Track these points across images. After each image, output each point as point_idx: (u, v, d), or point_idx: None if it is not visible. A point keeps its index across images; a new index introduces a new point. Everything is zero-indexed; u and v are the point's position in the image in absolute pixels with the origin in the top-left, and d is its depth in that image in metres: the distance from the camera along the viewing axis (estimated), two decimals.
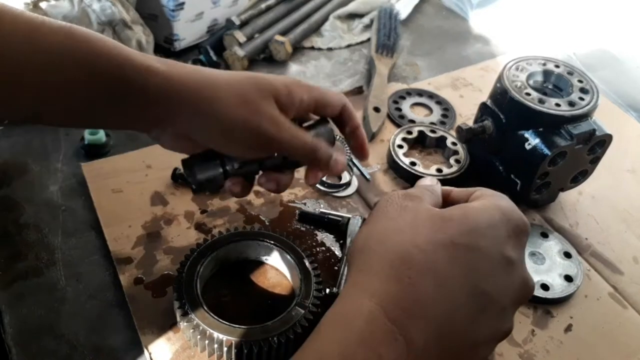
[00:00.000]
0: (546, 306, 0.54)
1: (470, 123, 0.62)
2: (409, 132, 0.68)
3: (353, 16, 0.92)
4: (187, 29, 0.79)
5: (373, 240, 0.34)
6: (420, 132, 0.69)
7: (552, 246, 0.58)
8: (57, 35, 0.36)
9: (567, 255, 0.58)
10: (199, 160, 0.43)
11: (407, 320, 0.30)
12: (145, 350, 0.46)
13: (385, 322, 0.30)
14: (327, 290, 0.50)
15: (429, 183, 0.41)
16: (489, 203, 0.36)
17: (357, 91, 0.77)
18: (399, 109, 0.75)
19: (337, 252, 0.56)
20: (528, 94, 0.57)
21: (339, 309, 0.32)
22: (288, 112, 0.42)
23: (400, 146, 0.66)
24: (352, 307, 0.31)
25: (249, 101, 0.40)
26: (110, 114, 0.40)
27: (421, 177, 0.63)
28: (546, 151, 0.55)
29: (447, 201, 0.40)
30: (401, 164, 0.64)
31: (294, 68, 0.82)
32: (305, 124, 0.45)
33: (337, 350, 0.29)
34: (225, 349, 0.44)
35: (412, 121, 0.72)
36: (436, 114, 0.75)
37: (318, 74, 0.81)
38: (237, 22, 0.80)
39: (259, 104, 0.40)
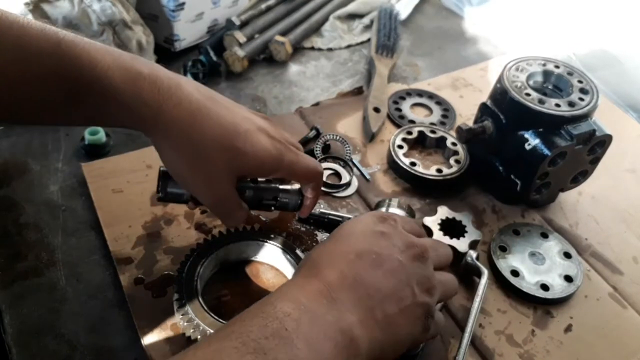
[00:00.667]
0: (546, 306, 0.54)
1: (470, 123, 0.62)
2: (409, 133, 0.68)
3: (353, 16, 0.92)
4: (188, 29, 0.79)
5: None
6: (420, 133, 0.69)
7: (552, 246, 0.58)
8: (46, 41, 0.37)
9: (567, 255, 0.58)
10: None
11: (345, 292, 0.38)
12: (146, 350, 0.46)
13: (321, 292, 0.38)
14: None
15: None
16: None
17: (357, 91, 0.77)
18: (399, 109, 0.75)
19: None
20: (528, 95, 0.57)
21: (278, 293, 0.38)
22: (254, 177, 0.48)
23: (400, 146, 0.67)
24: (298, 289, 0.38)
25: (217, 175, 0.43)
26: (75, 112, 0.42)
27: (421, 177, 0.63)
28: (546, 151, 0.55)
29: None
30: (401, 164, 0.64)
31: (294, 68, 0.82)
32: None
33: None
34: None
35: (412, 121, 0.72)
36: (436, 115, 0.75)
37: (318, 74, 0.81)
38: (237, 23, 0.81)
39: (228, 179, 0.44)
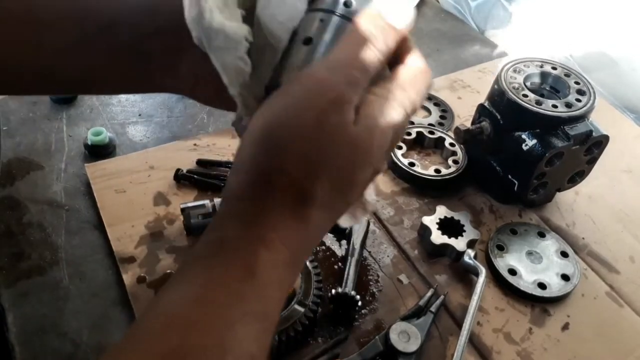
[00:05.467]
0: (543, 305, 0.54)
1: (468, 124, 0.63)
2: (408, 133, 0.69)
3: None
4: None
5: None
6: (419, 133, 0.69)
7: (549, 246, 0.59)
8: None
9: (564, 254, 0.58)
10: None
11: (300, 249, 0.30)
12: None
13: (283, 250, 0.29)
14: (333, 291, 0.50)
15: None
16: (390, 117, 0.31)
17: None
18: None
19: (337, 252, 0.57)
20: (525, 96, 0.58)
21: (236, 231, 0.30)
22: None
23: (399, 147, 0.67)
24: (253, 235, 0.30)
25: None
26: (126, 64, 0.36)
27: (419, 177, 0.64)
28: (543, 152, 0.56)
29: None
30: (400, 164, 0.65)
31: None
32: None
33: (241, 270, 0.28)
34: None
35: (411, 122, 0.73)
36: (435, 115, 0.75)
37: None
38: None
39: None
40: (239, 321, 0.27)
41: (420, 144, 0.70)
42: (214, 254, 0.29)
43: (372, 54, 0.30)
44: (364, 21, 0.31)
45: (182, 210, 0.55)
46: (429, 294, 0.53)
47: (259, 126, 0.29)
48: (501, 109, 0.60)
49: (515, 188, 0.60)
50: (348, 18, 0.32)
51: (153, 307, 0.29)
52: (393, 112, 0.31)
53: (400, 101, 0.31)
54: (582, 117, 0.57)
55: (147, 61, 0.36)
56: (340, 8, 0.32)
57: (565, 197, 0.66)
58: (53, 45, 0.34)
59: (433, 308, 0.51)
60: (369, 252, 0.57)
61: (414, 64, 0.33)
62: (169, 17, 0.34)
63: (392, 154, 0.66)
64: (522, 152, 0.57)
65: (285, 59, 0.33)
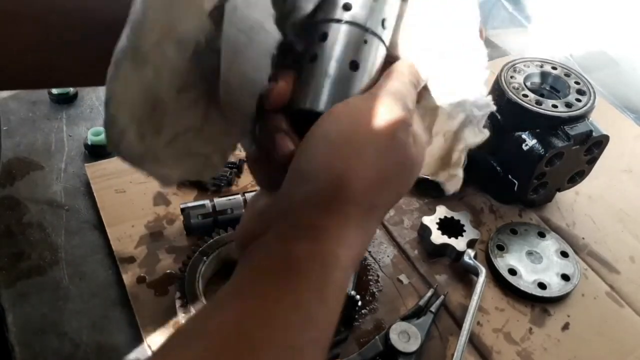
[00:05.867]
0: (544, 305, 0.54)
1: None
2: None
3: None
4: None
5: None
6: None
7: (550, 246, 0.59)
8: None
9: (564, 254, 0.58)
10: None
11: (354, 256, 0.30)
12: (148, 349, 0.47)
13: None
14: None
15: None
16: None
17: None
18: None
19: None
20: (525, 96, 0.58)
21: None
22: None
23: None
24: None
25: None
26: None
27: (420, 177, 0.64)
28: (543, 152, 0.56)
29: None
30: None
31: None
32: None
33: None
34: None
35: None
36: None
37: None
38: None
39: None
40: (309, 347, 0.26)
41: None
42: (288, 271, 0.28)
43: (415, 90, 0.34)
44: (406, 62, 0.34)
45: (182, 210, 0.55)
46: (429, 294, 0.53)
47: (329, 136, 0.29)
48: (501, 109, 0.59)
49: (516, 188, 0.60)
50: (379, 38, 0.33)
51: (207, 316, 0.27)
52: (425, 139, 0.34)
53: (425, 129, 0.35)
54: (582, 117, 0.57)
55: None
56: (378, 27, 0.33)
57: (565, 197, 0.66)
58: (55, 42, 0.34)
59: (433, 308, 0.51)
60: (369, 252, 0.57)
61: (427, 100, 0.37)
62: None
63: None
64: (522, 152, 0.57)
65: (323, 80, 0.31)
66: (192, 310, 0.46)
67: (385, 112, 0.30)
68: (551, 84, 0.62)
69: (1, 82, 0.38)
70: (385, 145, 0.30)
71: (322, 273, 0.27)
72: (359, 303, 0.50)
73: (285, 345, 0.25)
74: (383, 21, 0.33)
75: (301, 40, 0.32)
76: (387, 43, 0.34)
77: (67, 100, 0.70)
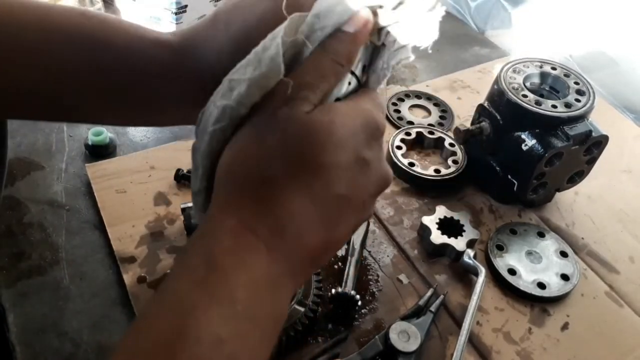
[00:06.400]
0: (543, 304, 0.55)
1: (468, 124, 0.63)
2: (408, 134, 0.69)
3: None
4: None
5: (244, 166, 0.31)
6: (419, 133, 0.69)
7: (549, 246, 0.59)
8: (70, 15, 0.36)
9: (564, 254, 0.58)
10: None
11: (270, 234, 0.30)
12: None
13: (247, 234, 0.29)
14: (333, 291, 0.50)
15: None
16: (356, 108, 0.33)
17: None
18: (398, 111, 0.75)
19: (337, 252, 0.57)
20: (525, 96, 0.58)
21: (203, 228, 0.31)
22: None
23: (399, 147, 0.67)
24: (216, 225, 0.30)
25: None
26: (133, 93, 0.38)
27: (419, 177, 0.64)
28: (542, 152, 0.56)
29: None
30: (400, 164, 0.65)
31: None
32: None
33: (202, 261, 0.29)
34: None
35: (411, 123, 0.73)
36: (434, 116, 0.75)
37: None
38: None
39: None
40: (200, 307, 0.27)
41: (420, 144, 0.70)
42: (186, 250, 0.30)
43: (333, 71, 0.33)
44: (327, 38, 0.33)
45: (183, 210, 0.55)
46: (429, 293, 0.53)
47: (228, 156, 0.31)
48: (501, 109, 0.60)
49: (515, 188, 0.60)
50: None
51: (134, 338, 0.29)
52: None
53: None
54: (581, 117, 0.57)
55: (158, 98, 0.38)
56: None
57: (564, 197, 0.66)
58: (62, 70, 0.36)
59: (433, 308, 0.52)
60: (369, 251, 0.58)
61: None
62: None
63: (392, 154, 0.66)
64: (521, 152, 0.57)
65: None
66: None
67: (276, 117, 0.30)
68: (551, 84, 0.62)
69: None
70: (269, 120, 0.30)
71: (212, 241, 0.29)
72: (359, 303, 0.50)
73: (176, 308, 0.27)
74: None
75: None
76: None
77: None
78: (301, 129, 0.30)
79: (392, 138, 0.68)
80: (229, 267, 0.28)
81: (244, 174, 0.30)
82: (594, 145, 0.59)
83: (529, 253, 0.58)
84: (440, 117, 0.75)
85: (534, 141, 0.57)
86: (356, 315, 0.52)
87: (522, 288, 0.54)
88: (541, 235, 0.60)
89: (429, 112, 0.76)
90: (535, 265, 0.57)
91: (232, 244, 0.29)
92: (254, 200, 0.30)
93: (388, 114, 0.74)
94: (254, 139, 0.30)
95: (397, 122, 0.73)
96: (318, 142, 0.30)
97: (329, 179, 0.31)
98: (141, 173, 0.62)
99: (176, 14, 0.77)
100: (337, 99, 0.34)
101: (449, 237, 0.57)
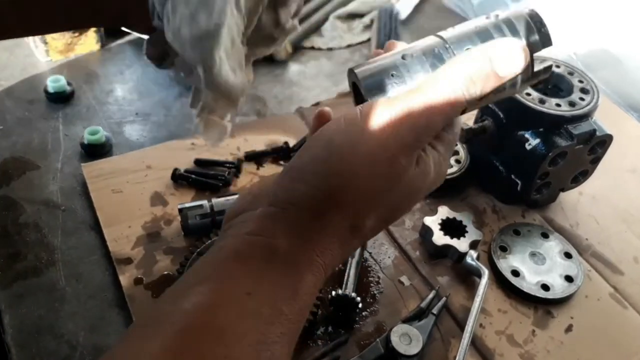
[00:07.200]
0: (547, 306, 0.54)
1: (471, 123, 0.62)
2: None
3: (353, 16, 0.92)
4: None
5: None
6: None
7: (553, 246, 0.58)
8: None
9: (568, 255, 0.58)
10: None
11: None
12: None
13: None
14: (333, 293, 0.50)
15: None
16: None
17: None
18: None
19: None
20: (528, 94, 0.57)
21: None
22: None
23: None
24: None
25: None
26: None
27: None
28: (546, 151, 0.55)
29: None
30: None
31: (294, 68, 0.82)
32: None
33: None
34: None
35: None
36: None
37: (318, 74, 0.81)
38: None
39: None
40: (278, 342, 0.26)
41: None
42: (264, 261, 0.28)
43: (461, 103, 0.32)
44: (472, 63, 0.32)
45: (180, 210, 0.54)
46: (431, 295, 0.52)
47: (334, 142, 0.30)
48: (504, 108, 0.59)
49: (519, 188, 0.60)
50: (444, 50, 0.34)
51: (174, 303, 0.27)
52: (443, 167, 0.34)
53: (448, 157, 0.34)
54: (585, 116, 0.56)
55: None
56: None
57: (568, 197, 0.65)
58: None
59: (435, 310, 0.51)
60: (370, 253, 0.57)
61: (457, 127, 0.36)
62: None
63: None
64: (525, 152, 0.56)
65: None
66: None
67: (392, 133, 0.30)
68: (554, 82, 0.61)
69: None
70: (382, 169, 0.30)
71: (296, 272, 0.28)
72: (360, 305, 0.50)
73: (255, 339, 0.25)
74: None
75: None
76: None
77: (63, 100, 0.70)
78: (405, 187, 0.30)
79: None
80: (305, 305, 0.28)
81: (348, 208, 0.29)
82: (598, 144, 0.58)
83: (533, 254, 0.57)
84: None
85: (537, 140, 0.56)
86: (357, 318, 0.51)
87: (525, 290, 0.54)
88: (545, 236, 0.59)
89: None
90: (539, 266, 0.56)
91: (312, 283, 0.29)
92: (339, 243, 0.30)
93: None
94: (369, 170, 0.29)
95: None
96: (408, 202, 0.32)
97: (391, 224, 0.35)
98: (138, 173, 0.61)
99: None
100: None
101: (452, 238, 0.56)
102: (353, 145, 0.29)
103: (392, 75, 0.33)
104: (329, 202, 0.29)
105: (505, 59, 0.31)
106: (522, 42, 0.33)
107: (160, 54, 0.42)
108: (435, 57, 0.33)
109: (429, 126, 0.31)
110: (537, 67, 0.34)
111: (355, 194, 0.29)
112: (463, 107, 0.32)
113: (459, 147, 0.67)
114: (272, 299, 0.27)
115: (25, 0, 0.37)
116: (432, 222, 0.57)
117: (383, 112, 0.30)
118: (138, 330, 0.28)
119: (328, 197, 0.29)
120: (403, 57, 0.33)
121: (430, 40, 0.34)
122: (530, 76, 0.34)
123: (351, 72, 0.35)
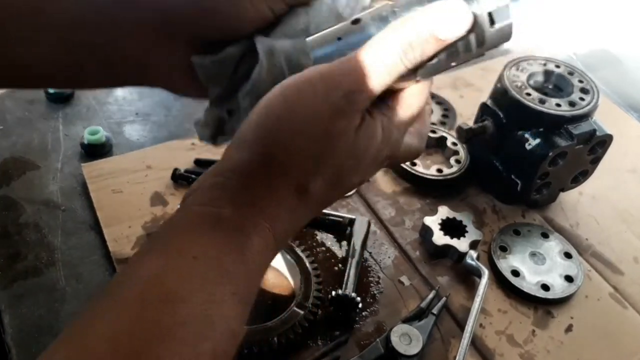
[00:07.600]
0: (547, 306, 0.54)
1: (471, 123, 0.62)
2: None
3: None
4: None
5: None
6: None
7: (553, 246, 0.58)
8: None
9: (568, 255, 0.58)
10: None
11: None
12: None
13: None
14: (333, 293, 0.50)
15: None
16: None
17: None
18: None
19: (337, 252, 0.56)
20: (528, 94, 0.57)
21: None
22: None
23: None
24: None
25: None
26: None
27: (421, 177, 0.63)
28: (546, 151, 0.55)
29: None
30: (401, 164, 0.64)
31: None
32: None
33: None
34: None
35: None
36: (436, 114, 0.75)
37: None
38: None
39: None
40: (227, 300, 0.27)
41: None
42: (209, 229, 0.29)
43: (399, 68, 0.30)
44: (411, 26, 0.30)
45: None
46: (431, 295, 0.52)
47: (271, 107, 0.30)
48: (504, 108, 0.59)
49: (519, 188, 0.60)
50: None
51: (127, 274, 0.29)
52: (393, 134, 0.32)
53: (401, 125, 0.33)
54: (585, 116, 0.56)
55: (119, 59, 0.36)
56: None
57: (568, 197, 0.65)
58: (18, 38, 0.34)
59: (435, 310, 0.51)
60: (370, 253, 0.57)
61: (419, 96, 0.33)
62: (149, 11, 0.35)
63: None
64: (525, 152, 0.56)
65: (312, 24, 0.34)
66: None
67: (325, 96, 0.29)
68: (554, 82, 0.61)
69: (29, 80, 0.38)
70: (318, 130, 0.30)
71: (240, 234, 0.29)
72: (360, 305, 0.50)
73: (203, 299, 0.27)
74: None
75: None
76: None
77: (63, 100, 0.70)
78: (346, 151, 0.30)
79: None
80: (254, 267, 0.29)
81: (289, 170, 0.30)
82: (598, 144, 0.58)
83: (533, 254, 0.57)
84: (443, 115, 0.74)
85: (537, 140, 0.56)
86: (357, 318, 0.51)
87: (525, 290, 0.54)
88: (545, 236, 0.59)
89: (431, 110, 0.75)
90: (539, 266, 0.56)
91: (260, 245, 0.29)
92: (285, 207, 0.30)
93: None
94: (308, 132, 0.30)
95: None
96: (351, 167, 0.31)
97: (341, 193, 0.33)
98: (138, 173, 0.61)
99: None
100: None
101: (452, 238, 0.56)
102: (289, 109, 0.30)
103: (339, 39, 0.33)
104: (269, 166, 0.30)
105: (445, 21, 0.29)
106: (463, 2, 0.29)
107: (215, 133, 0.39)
108: (382, 21, 0.32)
109: (361, 90, 0.30)
110: (492, 28, 0.31)
111: (294, 156, 0.30)
112: (404, 72, 0.30)
113: (459, 147, 0.67)
114: (219, 261, 0.28)
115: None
116: (432, 222, 0.57)
117: (316, 77, 0.30)
118: (100, 299, 0.29)
119: (269, 162, 0.30)
120: (353, 22, 0.32)
121: (381, 5, 0.33)
122: (483, 39, 0.31)
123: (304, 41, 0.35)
